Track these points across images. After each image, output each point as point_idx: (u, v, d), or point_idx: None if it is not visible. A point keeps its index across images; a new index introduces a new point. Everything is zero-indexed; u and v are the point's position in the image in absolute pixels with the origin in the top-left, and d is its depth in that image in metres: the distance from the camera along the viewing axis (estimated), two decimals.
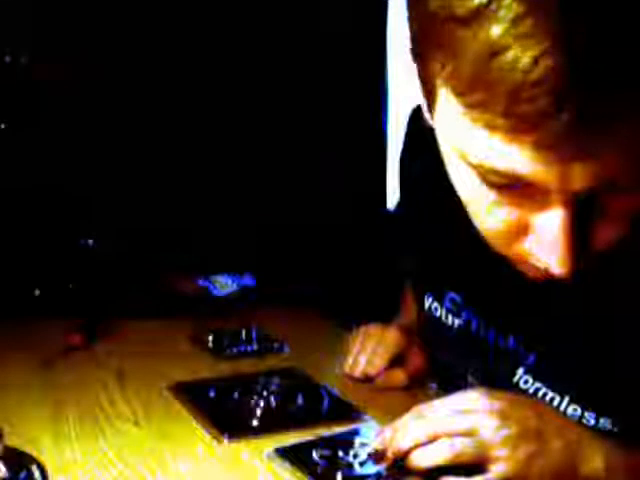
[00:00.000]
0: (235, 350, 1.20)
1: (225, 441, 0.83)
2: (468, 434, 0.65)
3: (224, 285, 1.58)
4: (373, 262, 2.14)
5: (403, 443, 0.67)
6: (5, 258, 1.49)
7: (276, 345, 1.22)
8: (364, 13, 2.11)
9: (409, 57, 0.58)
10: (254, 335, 1.24)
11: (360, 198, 2.16)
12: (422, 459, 0.66)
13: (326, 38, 2.04)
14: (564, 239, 0.52)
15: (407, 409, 0.71)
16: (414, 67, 0.57)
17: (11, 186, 1.57)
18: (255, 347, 1.20)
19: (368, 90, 2.16)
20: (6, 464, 0.66)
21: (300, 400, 0.93)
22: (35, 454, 0.72)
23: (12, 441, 0.73)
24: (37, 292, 1.43)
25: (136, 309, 1.43)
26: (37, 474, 0.69)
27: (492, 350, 0.80)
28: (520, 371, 0.77)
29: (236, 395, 0.95)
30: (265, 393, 0.94)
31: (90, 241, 1.55)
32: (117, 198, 1.77)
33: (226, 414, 0.90)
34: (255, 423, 0.88)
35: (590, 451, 0.65)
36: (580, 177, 0.48)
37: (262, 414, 0.90)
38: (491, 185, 0.54)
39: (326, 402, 0.95)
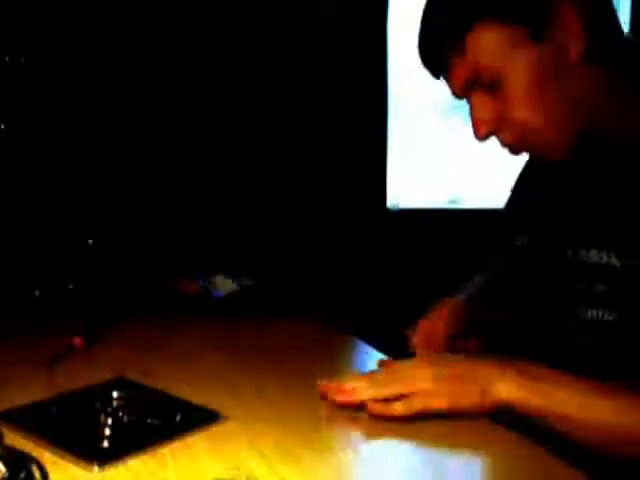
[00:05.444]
0: None
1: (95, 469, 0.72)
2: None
3: (224, 285, 1.58)
4: (374, 263, 2.14)
5: (362, 395, 0.85)
6: (6, 259, 1.49)
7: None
8: (365, 13, 2.11)
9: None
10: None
11: (361, 198, 2.16)
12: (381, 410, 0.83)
13: (327, 39, 2.04)
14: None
15: None
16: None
17: (12, 187, 1.57)
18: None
19: (369, 91, 2.16)
20: (6, 464, 0.65)
21: (150, 410, 0.85)
22: (35, 454, 0.72)
23: (12, 441, 0.73)
24: (37, 293, 1.43)
25: (137, 309, 1.43)
26: (37, 474, 0.68)
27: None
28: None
29: (79, 413, 0.85)
30: (110, 409, 0.85)
31: (90, 241, 1.55)
32: (119, 199, 1.77)
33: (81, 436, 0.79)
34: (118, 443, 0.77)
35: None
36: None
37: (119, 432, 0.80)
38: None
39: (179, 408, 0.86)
